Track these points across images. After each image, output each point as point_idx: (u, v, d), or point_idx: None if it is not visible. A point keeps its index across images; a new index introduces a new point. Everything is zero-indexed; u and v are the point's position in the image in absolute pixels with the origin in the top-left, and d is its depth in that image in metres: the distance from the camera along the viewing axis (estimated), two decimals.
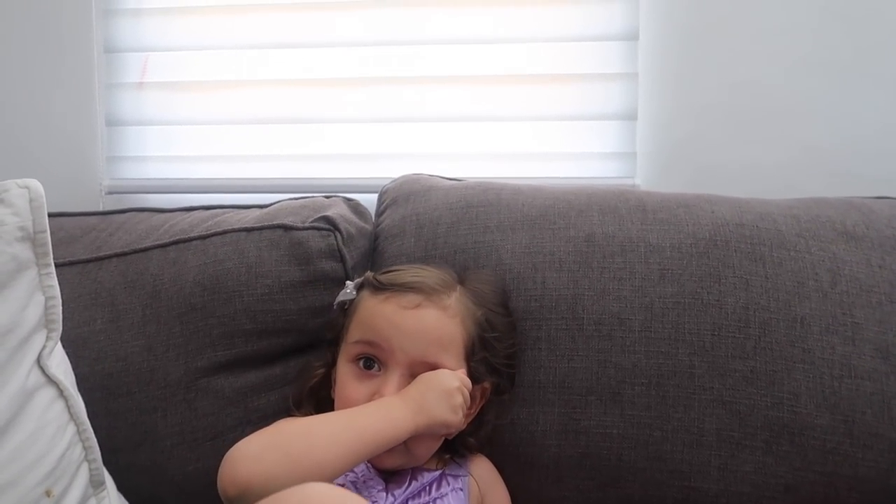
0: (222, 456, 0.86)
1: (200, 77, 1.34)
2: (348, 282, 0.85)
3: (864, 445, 0.82)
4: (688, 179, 1.21)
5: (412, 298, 0.78)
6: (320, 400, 0.84)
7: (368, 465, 0.76)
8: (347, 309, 0.83)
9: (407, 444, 0.74)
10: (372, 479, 0.75)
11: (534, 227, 0.92)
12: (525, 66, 1.28)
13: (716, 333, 0.85)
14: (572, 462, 0.85)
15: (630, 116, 1.26)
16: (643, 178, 1.27)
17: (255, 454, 0.67)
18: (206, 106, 1.35)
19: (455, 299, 0.80)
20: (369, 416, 0.72)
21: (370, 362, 0.78)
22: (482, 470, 0.83)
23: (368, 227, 0.99)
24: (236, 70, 1.33)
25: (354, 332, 0.79)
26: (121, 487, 0.84)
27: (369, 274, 0.83)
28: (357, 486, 0.73)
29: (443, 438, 0.79)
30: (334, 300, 0.85)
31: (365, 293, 0.82)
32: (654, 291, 0.86)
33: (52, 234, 0.77)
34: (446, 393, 0.75)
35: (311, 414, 0.79)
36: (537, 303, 0.87)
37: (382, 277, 0.81)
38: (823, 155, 1.22)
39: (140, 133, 1.36)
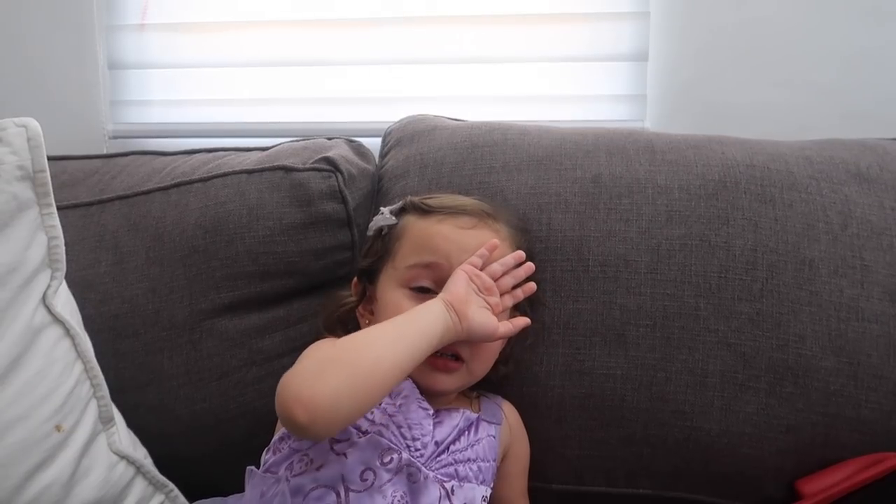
0: (228, 395, 0.89)
1: (203, 18, 1.31)
2: (383, 208, 0.83)
3: (867, 387, 0.82)
4: (699, 122, 1.17)
5: (468, 220, 0.78)
6: (348, 330, 0.80)
7: (421, 402, 0.73)
8: (386, 235, 0.81)
9: (466, 362, 0.75)
10: (419, 424, 0.72)
11: (540, 167, 0.90)
12: (533, 5, 1.24)
13: (722, 275, 0.84)
14: (575, 402, 0.85)
15: (641, 57, 1.23)
16: (653, 121, 1.24)
17: (314, 371, 0.63)
18: (210, 48, 1.33)
19: (502, 224, 0.80)
20: (415, 311, 0.70)
21: (424, 289, 0.76)
22: (514, 420, 0.83)
23: (371, 167, 0.98)
24: (239, 11, 1.30)
25: (409, 257, 0.77)
26: (129, 425, 0.85)
27: (411, 198, 0.82)
28: (402, 432, 0.71)
29: (496, 354, 0.78)
30: (339, 238, 0.82)
31: (410, 217, 0.80)
32: (660, 233, 0.85)
33: (55, 177, 0.77)
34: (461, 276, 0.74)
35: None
36: (542, 244, 0.86)
37: (430, 201, 0.80)
38: (839, 96, 1.19)
39: (143, 77, 1.35)
